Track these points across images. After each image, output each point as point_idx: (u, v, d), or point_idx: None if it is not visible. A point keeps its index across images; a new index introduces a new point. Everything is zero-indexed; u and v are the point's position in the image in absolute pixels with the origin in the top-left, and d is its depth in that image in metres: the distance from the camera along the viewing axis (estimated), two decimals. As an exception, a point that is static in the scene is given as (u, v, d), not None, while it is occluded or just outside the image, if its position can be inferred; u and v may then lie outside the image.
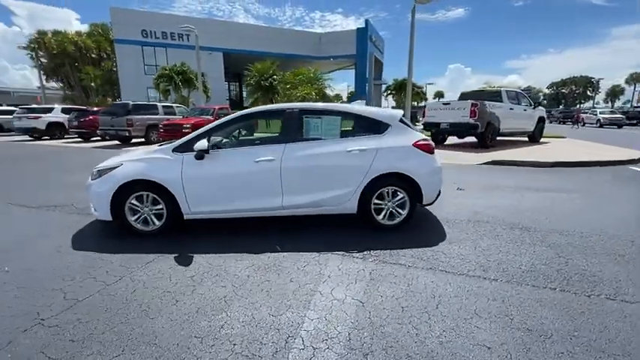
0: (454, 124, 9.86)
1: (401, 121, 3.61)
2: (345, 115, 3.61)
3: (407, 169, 3.36)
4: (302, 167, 3.31)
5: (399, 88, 34.31)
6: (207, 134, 3.35)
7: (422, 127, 11.21)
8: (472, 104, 9.24)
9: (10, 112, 18.30)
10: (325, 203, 3.38)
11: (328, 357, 1.71)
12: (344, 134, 3.53)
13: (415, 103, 35.08)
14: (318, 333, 1.89)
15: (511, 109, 10.41)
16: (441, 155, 8.91)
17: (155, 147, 3.58)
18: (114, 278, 2.55)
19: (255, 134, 4.12)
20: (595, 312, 2.07)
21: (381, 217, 3.48)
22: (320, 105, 3.67)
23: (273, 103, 13.85)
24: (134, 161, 3.37)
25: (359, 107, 3.71)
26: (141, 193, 3.30)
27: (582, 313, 2.06)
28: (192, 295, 2.32)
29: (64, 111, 17.10)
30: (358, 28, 31.18)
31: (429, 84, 56.75)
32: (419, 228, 3.61)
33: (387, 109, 3.77)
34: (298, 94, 11.97)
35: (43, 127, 16.19)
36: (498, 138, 10.93)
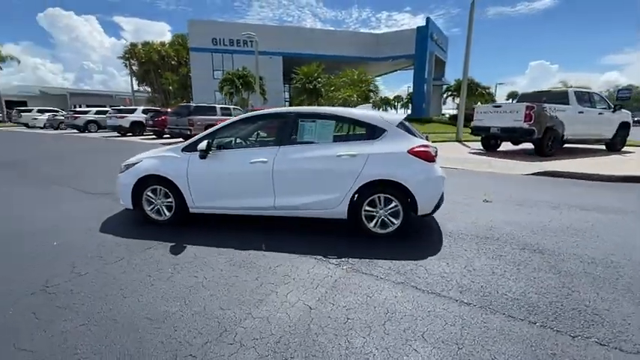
0: (506, 129, 8.88)
1: (402, 125, 3.46)
2: (340, 120, 3.58)
3: (399, 177, 3.20)
4: (293, 170, 3.38)
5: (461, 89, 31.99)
6: (211, 136, 3.64)
7: (470, 131, 10.35)
8: (527, 107, 8.22)
9: (106, 112, 21.82)
10: (315, 206, 3.40)
11: (248, 356, 1.76)
12: (338, 138, 3.50)
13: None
14: (252, 331, 1.96)
15: (580, 112, 8.99)
16: (486, 162, 8.14)
17: (170, 146, 3.99)
18: (115, 259, 2.94)
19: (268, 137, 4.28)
20: (570, 356, 1.76)
21: (372, 224, 3.38)
22: (315, 109, 3.70)
23: (316, 105, 14.10)
24: (151, 158, 3.81)
25: (354, 111, 3.64)
26: (155, 186, 3.72)
27: (553, 354, 1.77)
28: (167, 281, 2.56)
29: (144, 112, 19.83)
30: (418, 27, 29.88)
31: (500, 84, 51.63)
32: (414, 239, 3.41)
33: (385, 114, 3.64)
34: (340, 97, 11.99)
35: (127, 125, 18.96)
36: (566, 145, 9.57)
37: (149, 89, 42.25)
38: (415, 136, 3.50)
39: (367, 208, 3.34)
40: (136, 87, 38.87)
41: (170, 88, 35.33)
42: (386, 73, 48.89)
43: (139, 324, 2.03)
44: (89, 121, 22.09)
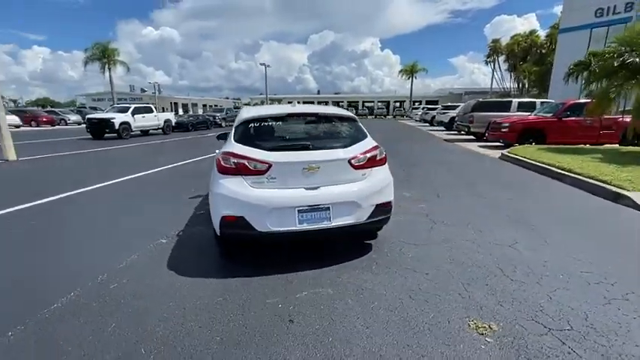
0: None
1: (241, 126, 2.88)
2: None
3: None
4: None
5: None
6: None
7: None
8: None
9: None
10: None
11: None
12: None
13: None
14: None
15: None
16: None
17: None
18: (146, 194, 5.20)
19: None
20: None
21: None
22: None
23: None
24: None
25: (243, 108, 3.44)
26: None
27: None
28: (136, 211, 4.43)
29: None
30: None
31: None
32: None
33: (252, 110, 3.09)
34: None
35: (447, 121, 20.02)
36: None
37: (515, 85, 39.67)
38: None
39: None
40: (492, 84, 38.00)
41: (525, 80, 31.35)
42: None
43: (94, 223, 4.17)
44: (451, 117, 22.93)
